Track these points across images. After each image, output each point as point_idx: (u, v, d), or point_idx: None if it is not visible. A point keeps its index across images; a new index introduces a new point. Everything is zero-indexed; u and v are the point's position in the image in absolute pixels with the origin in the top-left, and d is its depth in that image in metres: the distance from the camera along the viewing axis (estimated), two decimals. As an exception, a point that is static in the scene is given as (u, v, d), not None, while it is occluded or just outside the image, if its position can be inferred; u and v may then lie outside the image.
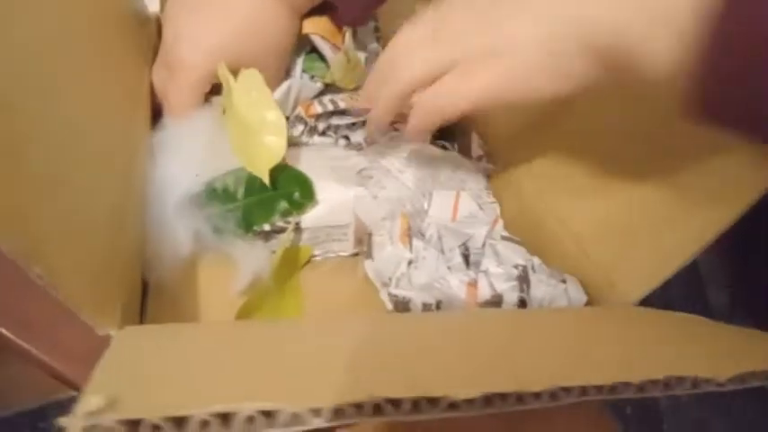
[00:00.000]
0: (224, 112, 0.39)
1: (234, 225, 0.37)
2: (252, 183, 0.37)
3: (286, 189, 0.38)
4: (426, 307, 0.34)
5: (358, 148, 0.45)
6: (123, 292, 0.27)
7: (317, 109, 0.43)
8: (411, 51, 0.30)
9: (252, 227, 0.37)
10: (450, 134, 0.48)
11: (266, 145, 0.37)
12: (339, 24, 0.42)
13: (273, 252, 0.38)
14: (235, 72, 0.38)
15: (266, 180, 0.36)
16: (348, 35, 0.43)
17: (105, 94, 0.34)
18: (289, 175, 0.39)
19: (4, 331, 0.31)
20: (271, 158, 0.37)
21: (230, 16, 0.38)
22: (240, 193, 0.37)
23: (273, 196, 0.38)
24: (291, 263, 0.40)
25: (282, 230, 0.38)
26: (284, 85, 0.43)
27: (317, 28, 0.42)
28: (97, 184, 0.28)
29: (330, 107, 0.43)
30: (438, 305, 0.34)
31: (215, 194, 0.37)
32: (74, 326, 0.24)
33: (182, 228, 0.37)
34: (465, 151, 0.47)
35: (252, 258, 0.36)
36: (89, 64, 0.33)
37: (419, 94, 0.31)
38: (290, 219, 0.38)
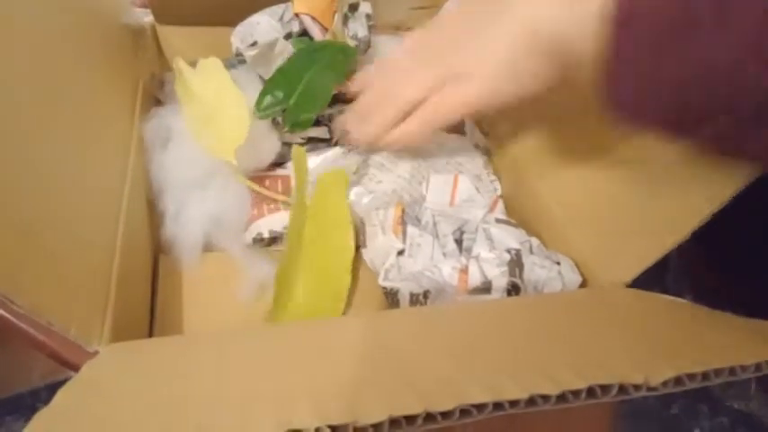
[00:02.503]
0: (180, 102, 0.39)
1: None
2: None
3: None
4: (414, 297, 0.34)
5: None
6: (114, 308, 0.28)
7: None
8: (406, 77, 0.36)
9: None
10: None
11: (230, 124, 0.37)
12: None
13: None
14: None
15: (233, 160, 0.37)
16: (338, 16, 0.43)
17: (95, 114, 0.36)
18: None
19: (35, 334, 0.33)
20: (235, 137, 0.37)
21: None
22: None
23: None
24: (333, 187, 0.40)
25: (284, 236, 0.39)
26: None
27: (307, 8, 0.42)
28: (84, 216, 0.29)
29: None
30: (425, 294, 0.34)
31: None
32: (63, 343, 0.25)
33: (193, 212, 0.39)
34: (460, 132, 0.46)
35: (256, 268, 0.37)
36: (78, 79, 0.35)
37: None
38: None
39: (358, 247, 0.40)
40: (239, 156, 0.39)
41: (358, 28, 0.43)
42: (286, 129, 0.41)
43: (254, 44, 0.41)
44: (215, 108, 0.38)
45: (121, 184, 0.35)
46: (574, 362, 0.19)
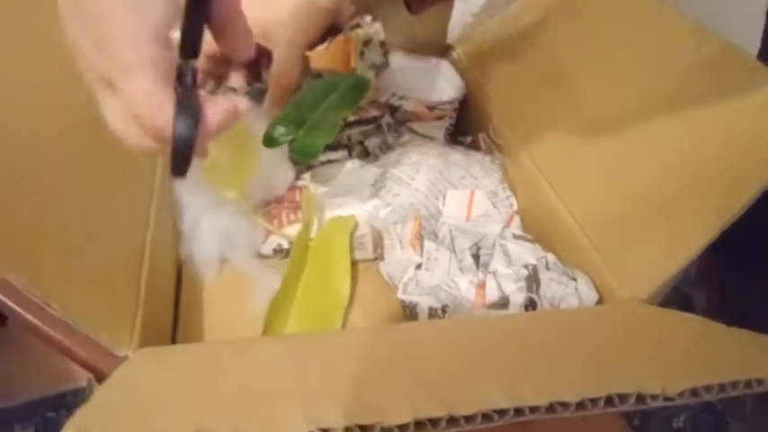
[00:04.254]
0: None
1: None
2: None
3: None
4: (432, 311, 0.35)
5: (373, 156, 0.46)
6: (142, 316, 0.29)
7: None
8: None
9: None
10: (463, 132, 0.49)
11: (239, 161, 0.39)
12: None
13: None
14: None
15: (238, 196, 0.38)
16: (359, 61, 0.44)
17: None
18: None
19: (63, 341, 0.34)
20: (241, 176, 0.39)
21: None
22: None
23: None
24: (337, 232, 0.41)
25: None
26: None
27: (325, 61, 0.43)
28: (115, 236, 0.31)
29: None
30: (444, 309, 0.35)
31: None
32: (93, 348, 0.26)
33: (209, 231, 0.41)
34: (476, 148, 0.47)
35: (268, 281, 0.38)
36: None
37: None
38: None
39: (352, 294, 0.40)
40: (252, 187, 0.40)
41: (374, 57, 0.44)
42: (294, 157, 0.42)
43: None
44: (224, 145, 0.40)
45: (148, 203, 0.37)
46: (592, 371, 0.19)
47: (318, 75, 0.42)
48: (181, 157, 0.24)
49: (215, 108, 0.25)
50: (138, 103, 0.23)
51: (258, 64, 0.41)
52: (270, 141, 0.40)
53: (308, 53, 0.40)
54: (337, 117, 0.41)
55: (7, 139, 0.28)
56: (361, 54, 0.43)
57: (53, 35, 0.23)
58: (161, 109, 0.23)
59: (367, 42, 0.43)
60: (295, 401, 0.18)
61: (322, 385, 0.19)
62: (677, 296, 0.47)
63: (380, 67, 0.44)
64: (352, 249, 0.42)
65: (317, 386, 0.19)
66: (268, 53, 0.39)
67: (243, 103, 0.27)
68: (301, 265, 0.40)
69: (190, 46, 0.24)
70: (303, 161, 0.43)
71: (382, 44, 0.44)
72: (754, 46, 0.42)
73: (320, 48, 0.40)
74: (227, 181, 0.40)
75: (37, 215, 0.27)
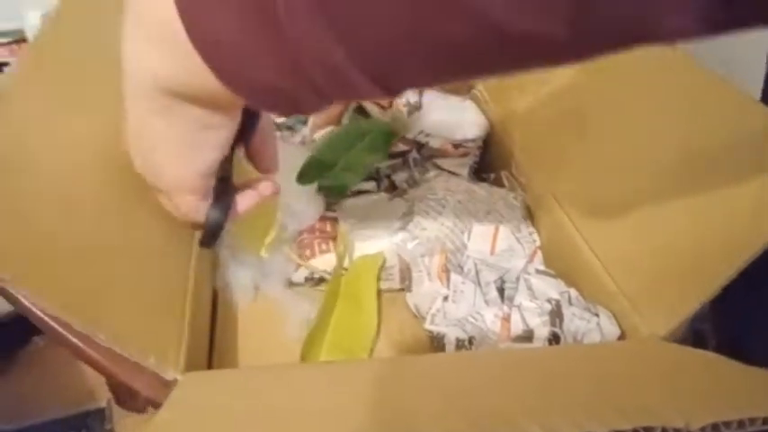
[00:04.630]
0: None
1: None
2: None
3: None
4: (459, 342, 0.36)
5: (400, 190, 0.48)
6: (187, 341, 0.31)
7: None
8: None
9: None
10: (487, 169, 0.51)
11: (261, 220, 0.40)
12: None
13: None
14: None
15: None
16: (397, 103, 0.47)
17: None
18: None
19: (106, 365, 0.36)
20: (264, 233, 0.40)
21: None
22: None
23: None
24: (366, 270, 0.43)
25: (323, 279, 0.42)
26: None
27: None
28: (164, 266, 0.33)
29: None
30: (470, 340, 0.36)
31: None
32: (143, 373, 0.28)
33: (243, 263, 0.43)
34: (499, 185, 0.49)
35: (299, 309, 0.40)
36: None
37: None
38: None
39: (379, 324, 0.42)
40: (285, 218, 0.43)
41: (411, 96, 0.47)
42: (322, 194, 0.45)
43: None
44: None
45: (191, 233, 0.39)
46: (618, 405, 0.21)
47: (360, 106, 0.45)
48: (210, 236, 0.31)
49: (243, 197, 0.32)
50: (183, 210, 0.30)
51: None
52: (304, 179, 0.42)
53: None
54: (366, 160, 0.43)
55: (70, 175, 0.30)
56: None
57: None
58: (199, 214, 0.30)
59: None
60: (339, 426, 0.20)
61: (365, 414, 0.21)
62: (691, 331, 0.48)
63: (414, 107, 0.47)
64: (379, 281, 0.43)
65: (359, 414, 0.21)
66: None
67: (269, 187, 0.34)
68: (334, 299, 0.42)
69: (229, 164, 0.30)
70: (332, 198, 0.45)
71: None
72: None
73: None
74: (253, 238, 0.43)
75: (90, 244, 0.29)
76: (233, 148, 0.30)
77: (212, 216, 0.31)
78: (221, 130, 0.27)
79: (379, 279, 0.43)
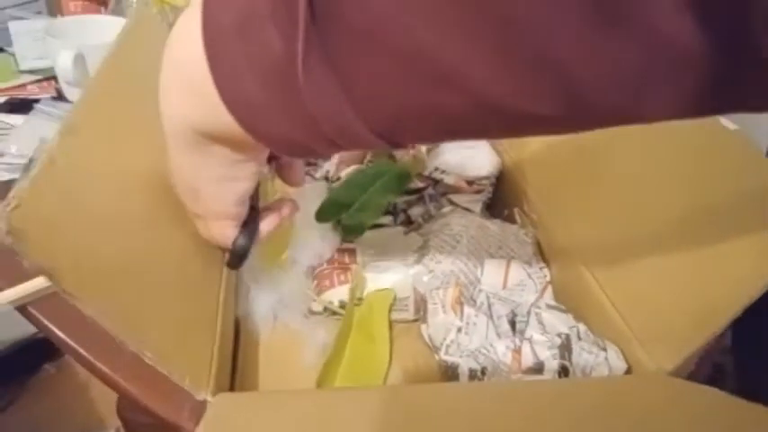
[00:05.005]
0: None
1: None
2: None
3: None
4: (473, 372, 0.38)
5: (416, 224, 0.50)
6: (216, 364, 0.33)
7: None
8: None
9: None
10: (499, 206, 0.53)
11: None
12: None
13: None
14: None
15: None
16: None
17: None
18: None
19: (129, 388, 0.38)
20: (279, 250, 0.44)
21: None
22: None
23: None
24: (378, 305, 0.45)
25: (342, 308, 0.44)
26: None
27: None
28: (198, 291, 0.35)
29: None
30: (483, 371, 0.38)
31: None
32: (179, 392, 0.30)
33: (263, 292, 0.45)
34: (512, 221, 0.51)
35: (316, 338, 0.42)
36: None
37: None
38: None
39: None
40: (300, 254, 0.45)
41: None
42: (340, 233, 0.47)
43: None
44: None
45: (221, 263, 0.41)
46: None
47: None
48: (237, 259, 0.35)
49: (266, 220, 0.37)
50: (216, 235, 0.34)
51: None
52: (322, 217, 0.45)
53: None
54: (382, 200, 0.46)
55: (120, 197, 0.32)
56: None
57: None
58: (229, 239, 0.34)
59: None
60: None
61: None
62: (711, 364, 0.49)
63: (433, 145, 0.49)
64: (391, 314, 0.45)
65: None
66: None
67: (288, 207, 0.38)
68: (348, 330, 0.43)
69: (256, 191, 0.34)
70: (348, 236, 0.47)
71: None
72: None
73: None
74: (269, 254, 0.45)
75: (134, 264, 0.32)
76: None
77: (240, 241, 0.34)
78: (250, 164, 0.30)
79: (390, 312, 0.45)
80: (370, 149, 0.24)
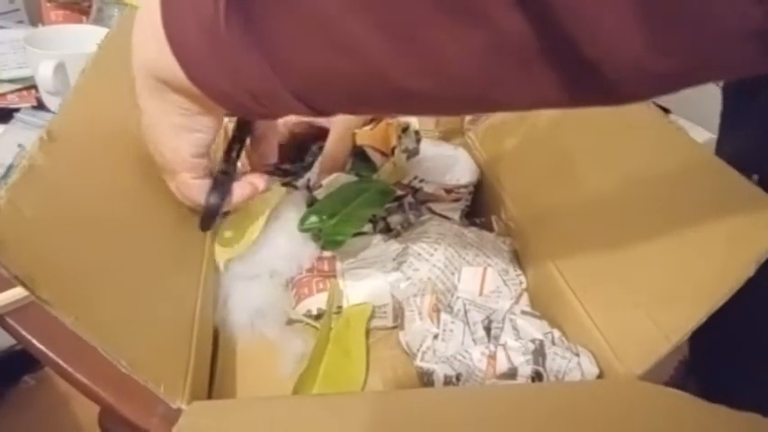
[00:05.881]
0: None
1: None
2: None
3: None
4: (447, 379, 0.38)
5: (395, 232, 0.51)
6: (192, 372, 0.33)
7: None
8: None
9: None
10: (478, 214, 0.54)
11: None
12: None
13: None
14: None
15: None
16: (398, 150, 0.50)
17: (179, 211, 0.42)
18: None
19: (107, 398, 0.38)
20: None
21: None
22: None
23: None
24: (354, 321, 0.45)
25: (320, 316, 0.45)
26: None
27: (369, 139, 0.49)
28: (175, 299, 0.35)
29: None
30: (458, 377, 0.39)
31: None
32: (154, 401, 0.30)
33: (241, 300, 0.45)
34: (489, 229, 0.52)
35: (293, 346, 0.42)
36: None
37: None
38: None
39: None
40: (279, 263, 0.46)
41: (409, 143, 0.50)
42: (321, 244, 0.48)
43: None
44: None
45: (200, 269, 0.41)
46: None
47: (361, 149, 0.48)
48: (208, 219, 0.38)
49: (239, 186, 0.39)
50: (181, 190, 0.36)
51: (305, 143, 0.48)
52: (305, 227, 0.45)
53: (356, 131, 0.47)
54: (364, 213, 0.47)
55: (100, 198, 0.33)
56: (399, 138, 0.49)
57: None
58: (195, 194, 0.36)
59: (405, 129, 0.50)
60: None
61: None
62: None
63: (412, 152, 0.50)
64: (372, 320, 0.46)
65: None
66: (314, 134, 0.46)
67: (262, 181, 0.40)
68: (325, 343, 0.44)
69: (232, 154, 0.38)
70: (329, 247, 0.48)
71: (416, 133, 0.50)
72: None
73: (366, 128, 0.49)
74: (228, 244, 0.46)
75: (112, 265, 0.32)
76: (240, 145, 0.38)
77: (211, 200, 0.37)
78: (206, 117, 0.32)
79: (367, 330, 0.45)
80: (295, 114, 0.26)
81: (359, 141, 0.49)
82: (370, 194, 0.48)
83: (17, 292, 0.45)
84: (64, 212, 0.29)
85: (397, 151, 0.49)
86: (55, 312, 0.25)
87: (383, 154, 0.50)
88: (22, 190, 0.27)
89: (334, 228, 0.46)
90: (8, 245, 0.24)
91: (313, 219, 0.46)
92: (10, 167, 0.59)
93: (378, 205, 0.48)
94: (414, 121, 0.51)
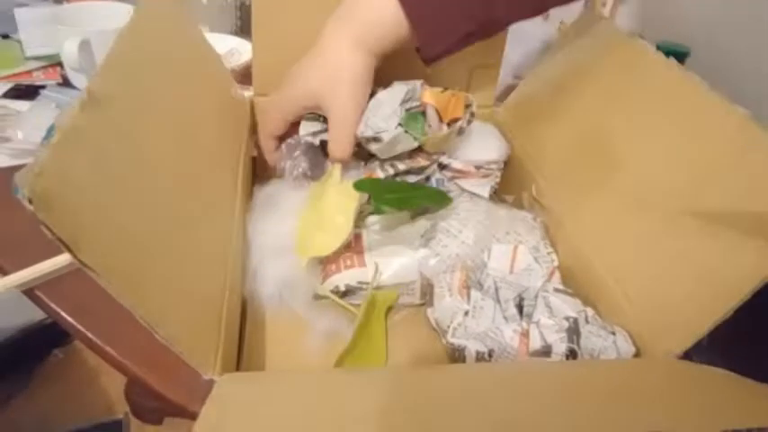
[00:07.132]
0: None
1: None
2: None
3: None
4: (480, 355, 0.38)
5: (423, 209, 0.50)
6: (223, 344, 0.33)
7: (380, 174, 0.48)
8: None
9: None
10: (507, 190, 0.52)
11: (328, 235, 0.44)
12: (423, 60, 0.48)
13: (352, 304, 0.44)
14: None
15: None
16: (460, 123, 0.49)
17: (214, 180, 0.42)
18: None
19: (137, 371, 0.39)
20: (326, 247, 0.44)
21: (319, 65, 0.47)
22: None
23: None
24: (379, 306, 0.45)
25: (357, 290, 0.44)
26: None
27: (434, 100, 0.48)
28: (206, 270, 0.35)
29: (391, 171, 0.48)
30: (490, 353, 0.38)
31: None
32: (188, 371, 0.30)
33: (270, 273, 0.45)
34: (519, 206, 0.50)
35: (320, 323, 0.42)
36: (204, 145, 0.41)
37: None
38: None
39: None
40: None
41: (468, 118, 0.50)
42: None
43: (376, 139, 0.47)
44: (325, 218, 0.46)
45: (227, 244, 0.41)
46: (636, 420, 0.22)
47: (423, 109, 0.49)
48: None
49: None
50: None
51: None
52: (361, 187, 0.46)
53: (428, 88, 0.49)
54: (419, 202, 0.48)
55: (142, 175, 0.32)
56: (465, 112, 0.49)
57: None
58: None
59: (468, 106, 0.49)
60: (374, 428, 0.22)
61: (402, 416, 0.23)
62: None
63: (462, 131, 0.49)
64: (386, 319, 0.45)
65: (395, 415, 0.23)
66: None
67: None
68: (367, 323, 0.43)
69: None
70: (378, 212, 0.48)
71: (473, 113, 0.49)
72: None
73: (438, 89, 0.49)
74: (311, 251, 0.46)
75: (157, 240, 0.31)
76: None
77: None
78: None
79: (386, 318, 0.45)
80: None
81: (426, 99, 0.48)
82: (430, 191, 0.50)
83: (54, 262, 0.46)
84: (106, 176, 0.28)
85: (457, 125, 0.49)
86: (95, 278, 0.24)
87: (440, 120, 0.49)
88: (67, 150, 0.25)
89: (388, 201, 0.45)
90: (54, 205, 0.22)
91: (371, 185, 0.46)
92: (51, 129, 0.59)
93: (433, 202, 0.49)
94: (474, 101, 0.50)
